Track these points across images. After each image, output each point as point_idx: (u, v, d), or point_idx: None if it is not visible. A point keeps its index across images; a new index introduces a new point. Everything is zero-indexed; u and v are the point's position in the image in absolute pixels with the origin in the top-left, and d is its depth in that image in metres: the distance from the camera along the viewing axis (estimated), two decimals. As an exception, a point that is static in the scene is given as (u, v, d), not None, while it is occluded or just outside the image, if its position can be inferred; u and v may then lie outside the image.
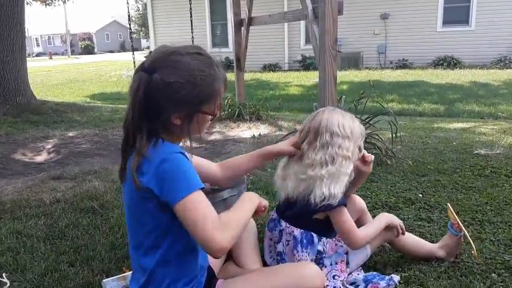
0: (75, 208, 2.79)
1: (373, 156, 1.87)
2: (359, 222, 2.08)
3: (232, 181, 1.99)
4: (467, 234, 1.92)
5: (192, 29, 5.12)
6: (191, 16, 5.06)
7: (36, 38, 57.65)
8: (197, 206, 1.21)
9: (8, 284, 1.84)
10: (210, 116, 1.36)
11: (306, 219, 1.73)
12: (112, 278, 1.82)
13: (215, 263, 1.68)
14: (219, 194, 2.12)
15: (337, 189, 1.66)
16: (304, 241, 1.75)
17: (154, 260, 1.34)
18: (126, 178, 1.33)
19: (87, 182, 3.44)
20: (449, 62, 14.32)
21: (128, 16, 4.97)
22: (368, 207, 2.64)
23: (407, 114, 7.30)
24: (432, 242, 2.10)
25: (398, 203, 2.72)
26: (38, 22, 52.82)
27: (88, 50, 50.13)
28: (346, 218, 1.72)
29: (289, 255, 1.78)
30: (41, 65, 24.88)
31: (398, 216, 2.48)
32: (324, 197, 1.64)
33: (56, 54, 45.73)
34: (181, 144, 1.40)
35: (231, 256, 1.86)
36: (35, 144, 5.44)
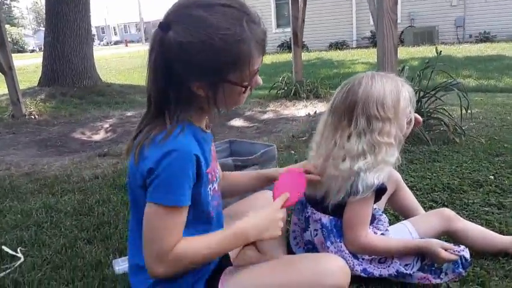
0: (111, 184, 2.72)
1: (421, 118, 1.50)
2: (395, 197, 1.75)
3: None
4: None
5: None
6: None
7: (114, 27, 60.82)
8: (157, 222, 1.03)
9: (22, 259, 1.77)
10: (241, 88, 1.08)
11: (334, 205, 1.42)
12: (122, 258, 1.68)
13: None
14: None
15: (376, 180, 1.33)
16: (334, 230, 1.44)
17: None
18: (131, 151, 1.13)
19: (130, 159, 3.38)
20: (540, 34, 12.80)
21: None
22: (425, 189, 2.31)
23: (485, 90, 6.54)
24: (501, 232, 1.71)
25: (462, 185, 2.31)
26: (115, 12, 55.62)
27: (161, 37, 51.91)
28: (365, 210, 1.39)
29: (320, 247, 1.49)
30: (117, 52, 26.14)
31: (461, 200, 2.13)
32: (358, 192, 1.34)
33: (132, 41, 47.82)
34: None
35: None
36: (94, 123, 5.58)
